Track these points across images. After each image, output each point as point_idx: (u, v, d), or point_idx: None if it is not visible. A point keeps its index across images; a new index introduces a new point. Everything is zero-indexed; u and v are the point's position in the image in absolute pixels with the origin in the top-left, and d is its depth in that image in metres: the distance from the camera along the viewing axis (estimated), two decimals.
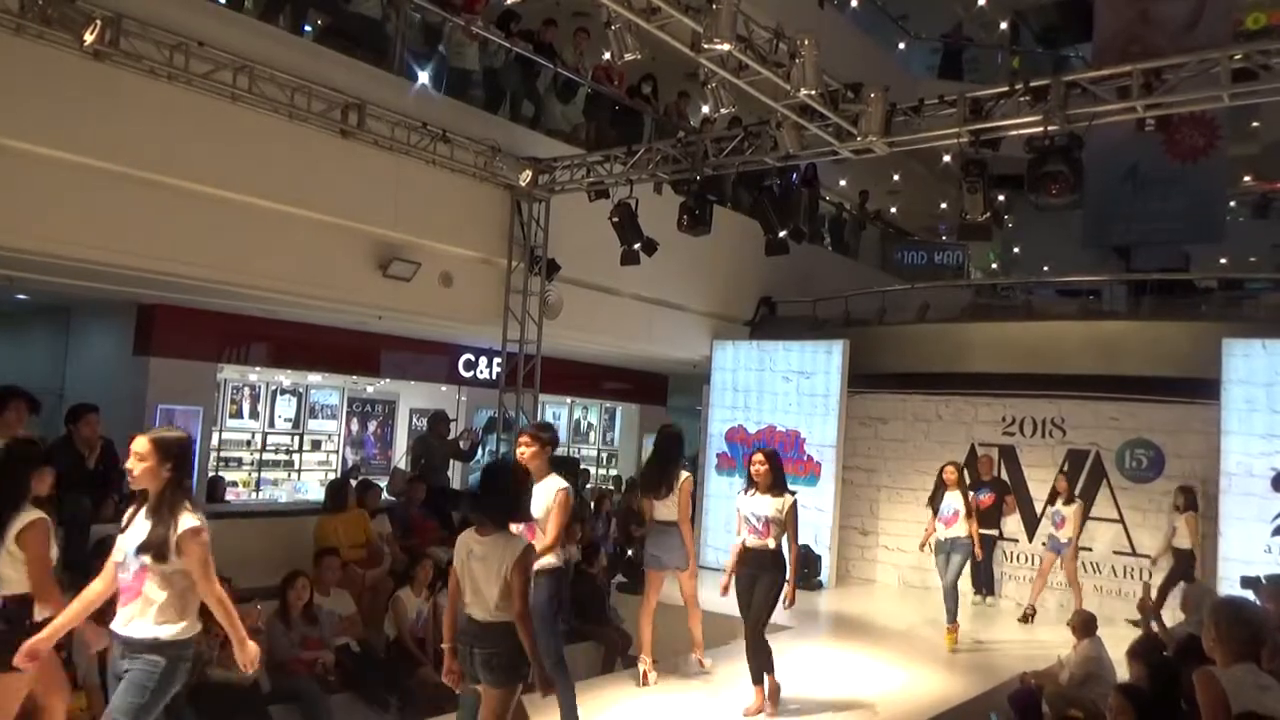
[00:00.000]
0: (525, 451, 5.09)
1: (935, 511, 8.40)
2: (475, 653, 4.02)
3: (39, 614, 4.08)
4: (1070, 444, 10.37)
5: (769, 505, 6.02)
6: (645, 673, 6.61)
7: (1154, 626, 5.99)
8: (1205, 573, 9.00)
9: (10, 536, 4.07)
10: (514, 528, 4.27)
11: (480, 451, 13.54)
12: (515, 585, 3.90)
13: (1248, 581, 6.77)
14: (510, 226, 9.94)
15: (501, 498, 4.15)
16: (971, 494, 9.66)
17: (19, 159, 6.42)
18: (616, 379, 15.69)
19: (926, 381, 11.33)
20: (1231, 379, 9.09)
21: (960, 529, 8.28)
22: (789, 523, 5.99)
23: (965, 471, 8.65)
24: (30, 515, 4.16)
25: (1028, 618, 9.65)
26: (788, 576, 5.97)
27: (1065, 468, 10.20)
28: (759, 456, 6.22)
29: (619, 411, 17.18)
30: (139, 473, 3.72)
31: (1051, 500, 9.83)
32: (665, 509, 6.58)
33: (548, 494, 5.06)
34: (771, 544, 6.00)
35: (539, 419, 11.48)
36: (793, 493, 6.13)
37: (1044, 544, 9.83)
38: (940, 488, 8.45)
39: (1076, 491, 9.87)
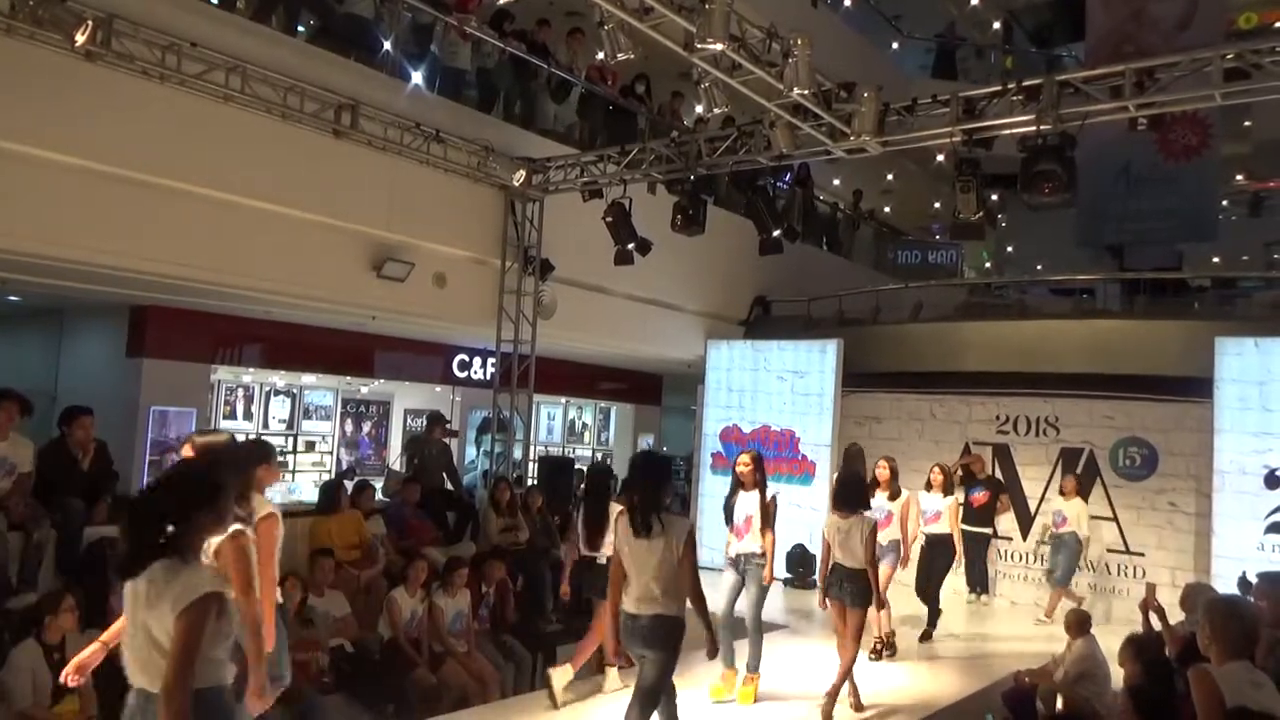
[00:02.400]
0: None
1: (729, 519, 6.48)
2: (845, 586, 6.23)
3: None
4: (1064, 442, 10.39)
5: None
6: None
7: (1155, 625, 6.00)
8: (1199, 570, 9.05)
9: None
10: None
11: (476, 452, 13.52)
12: (869, 545, 6.20)
13: (1242, 580, 6.79)
14: (504, 226, 9.94)
15: (854, 494, 6.50)
16: (968, 492, 9.74)
17: (9, 160, 6.39)
18: (611, 379, 15.67)
19: (921, 380, 11.35)
20: (1224, 377, 9.11)
21: (753, 542, 6.29)
22: None
23: (762, 464, 6.54)
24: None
25: (880, 653, 7.67)
26: None
27: (1060, 465, 10.23)
28: None
29: (613, 411, 17.16)
30: None
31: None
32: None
33: None
34: None
35: (534, 419, 11.46)
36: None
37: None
38: (736, 487, 6.49)
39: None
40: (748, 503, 6.35)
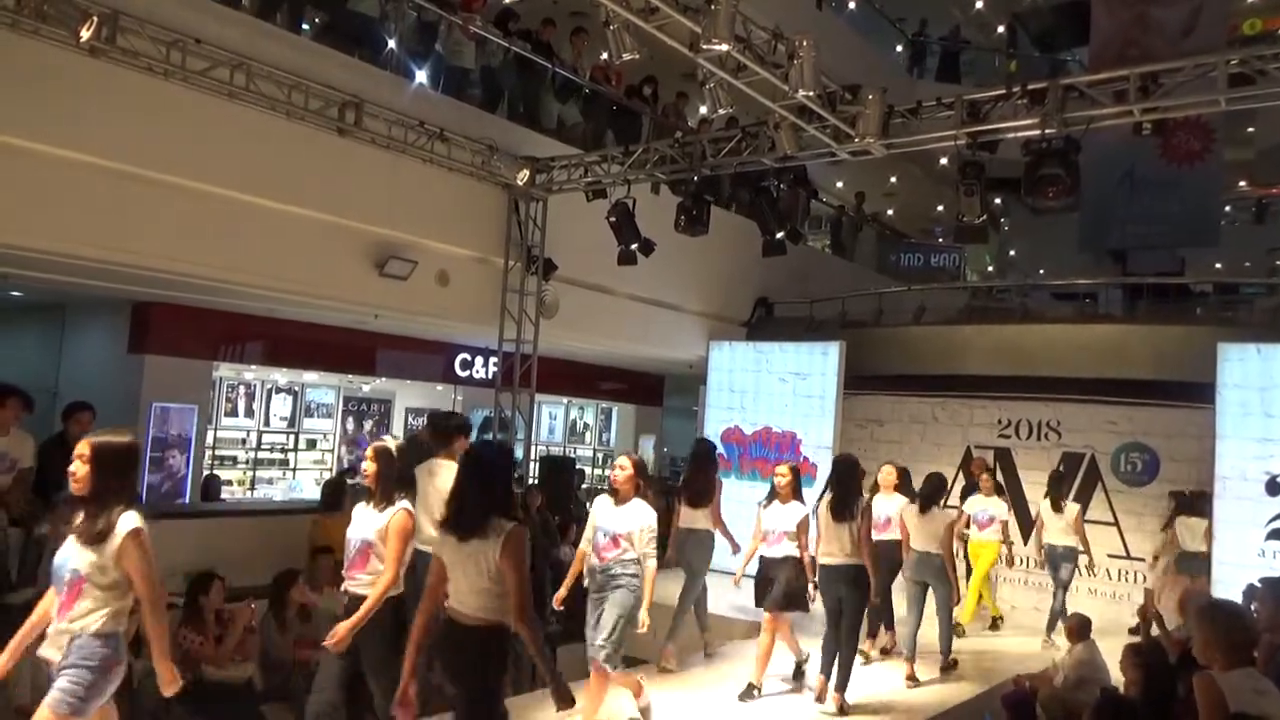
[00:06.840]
0: None
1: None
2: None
3: None
4: (1065, 447, 10.39)
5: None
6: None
7: (1155, 631, 5.99)
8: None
9: None
10: None
11: None
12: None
13: (1249, 590, 6.77)
14: (507, 226, 9.93)
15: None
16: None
17: (14, 155, 6.39)
18: (613, 379, 15.68)
19: (922, 383, 11.35)
20: (1226, 383, 9.09)
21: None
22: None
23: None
24: None
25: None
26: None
27: (1062, 468, 10.20)
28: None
29: (615, 412, 17.17)
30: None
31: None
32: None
33: None
34: None
35: (535, 419, 11.46)
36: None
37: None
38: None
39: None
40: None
